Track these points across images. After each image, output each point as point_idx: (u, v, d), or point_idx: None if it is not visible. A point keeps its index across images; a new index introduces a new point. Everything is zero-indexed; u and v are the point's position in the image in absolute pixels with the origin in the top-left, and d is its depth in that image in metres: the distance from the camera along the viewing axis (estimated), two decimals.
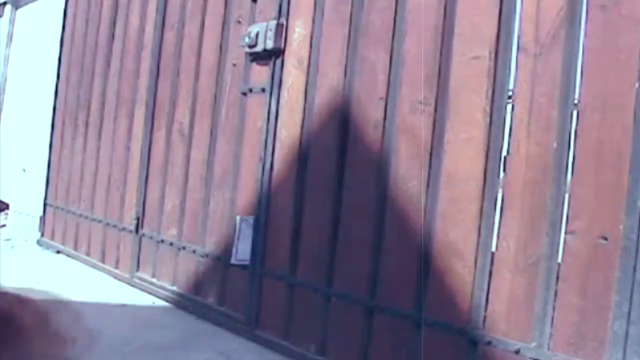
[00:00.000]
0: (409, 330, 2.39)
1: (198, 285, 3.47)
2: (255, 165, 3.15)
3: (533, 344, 2.05)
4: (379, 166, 2.57)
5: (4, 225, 5.56)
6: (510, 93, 2.23)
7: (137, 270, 3.95)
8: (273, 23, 3.05)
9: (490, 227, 2.23)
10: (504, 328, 2.13)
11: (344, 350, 2.64)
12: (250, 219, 3.11)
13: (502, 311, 2.15)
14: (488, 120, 2.23)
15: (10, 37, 6.44)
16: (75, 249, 4.68)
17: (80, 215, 4.66)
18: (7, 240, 5.14)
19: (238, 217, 3.14)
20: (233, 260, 3.11)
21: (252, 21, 3.25)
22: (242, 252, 3.06)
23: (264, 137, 3.11)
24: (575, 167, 2.01)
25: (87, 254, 4.53)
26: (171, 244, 3.69)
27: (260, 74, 3.19)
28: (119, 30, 4.50)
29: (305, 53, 2.94)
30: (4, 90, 6.51)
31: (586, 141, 1.99)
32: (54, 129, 5.27)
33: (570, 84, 2.05)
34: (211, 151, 3.50)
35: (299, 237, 2.89)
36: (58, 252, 4.86)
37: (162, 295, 3.64)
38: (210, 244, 3.41)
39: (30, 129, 5.71)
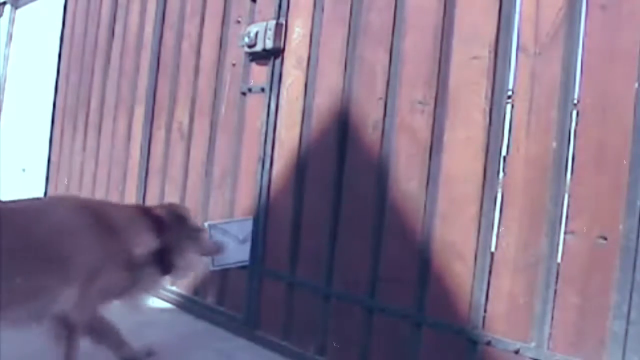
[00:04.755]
0: (409, 330, 2.39)
1: (198, 285, 3.47)
2: (254, 164, 3.15)
3: (532, 344, 2.05)
4: (379, 166, 2.57)
5: None
6: (510, 93, 2.23)
7: None
8: (272, 23, 3.05)
9: (490, 227, 2.23)
10: (504, 328, 2.13)
11: (344, 350, 2.64)
12: (223, 225, 3.07)
13: (501, 311, 2.15)
14: (487, 120, 2.23)
15: (10, 37, 6.44)
16: None
17: None
18: None
19: (206, 224, 3.06)
20: (211, 267, 3.02)
21: (252, 21, 3.25)
22: (221, 258, 2.99)
23: (263, 136, 3.11)
24: (575, 167, 2.01)
25: None
26: None
27: (260, 73, 3.19)
28: (118, 29, 4.51)
29: (304, 53, 2.94)
30: (3, 90, 6.51)
31: (586, 141, 1.99)
32: (54, 128, 5.27)
33: (569, 84, 2.05)
34: (211, 151, 3.50)
35: (299, 236, 2.89)
36: None
37: (162, 295, 3.64)
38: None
39: (30, 128, 5.71)
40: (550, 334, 2.02)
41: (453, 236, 2.29)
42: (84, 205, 2.49)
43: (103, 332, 2.47)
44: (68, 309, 2.22)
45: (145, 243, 2.45)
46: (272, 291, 3.00)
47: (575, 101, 2.04)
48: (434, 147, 2.39)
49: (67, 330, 2.24)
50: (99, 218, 2.37)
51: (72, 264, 2.24)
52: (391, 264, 2.50)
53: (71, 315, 2.23)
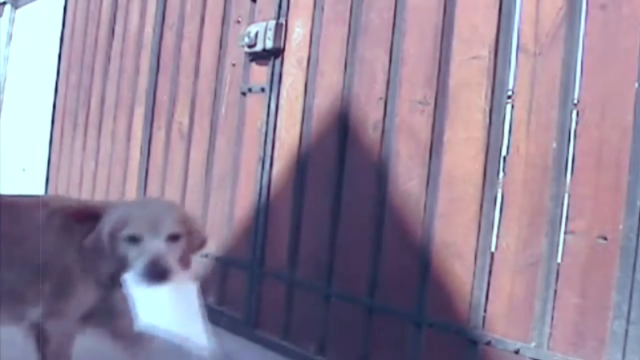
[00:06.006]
0: (409, 330, 2.39)
1: (197, 286, 3.47)
2: (254, 165, 3.15)
3: (532, 344, 2.05)
4: (379, 166, 2.57)
5: None
6: (510, 93, 2.23)
7: None
8: (272, 23, 3.05)
9: (490, 227, 2.23)
10: (504, 328, 2.13)
11: (344, 350, 2.64)
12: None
13: (501, 311, 2.15)
14: (488, 120, 2.23)
15: (9, 37, 6.44)
16: None
17: None
18: None
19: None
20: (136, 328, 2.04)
21: (252, 21, 3.25)
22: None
23: (263, 136, 3.11)
24: (575, 167, 2.01)
25: None
26: None
27: (260, 73, 3.19)
28: (118, 29, 4.50)
29: (304, 53, 2.94)
30: (3, 89, 6.51)
31: (586, 141, 1.99)
32: (54, 128, 5.27)
33: (569, 84, 2.05)
34: (210, 151, 3.50)
35: (299, 236, 2.89)
36: None
37: None
38: (210, 244, 3.40)
39: (30, 128, 5.71)
40: (550, 334, 2.02)
41: (453, 236, 2.29)
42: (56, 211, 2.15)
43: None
44: (42, 318, 2.10)
45: None
46: (272, 291, 3.00)
47: (575, 101, 2.04)
48: (434, 147, 2.39)
49: (42, 337, 2.12)
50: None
51: (44, 274, 2.08)
52: (391, 264, 2.50)
53: (44, 325, 2.11)
